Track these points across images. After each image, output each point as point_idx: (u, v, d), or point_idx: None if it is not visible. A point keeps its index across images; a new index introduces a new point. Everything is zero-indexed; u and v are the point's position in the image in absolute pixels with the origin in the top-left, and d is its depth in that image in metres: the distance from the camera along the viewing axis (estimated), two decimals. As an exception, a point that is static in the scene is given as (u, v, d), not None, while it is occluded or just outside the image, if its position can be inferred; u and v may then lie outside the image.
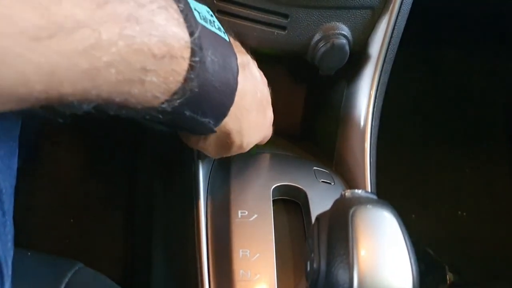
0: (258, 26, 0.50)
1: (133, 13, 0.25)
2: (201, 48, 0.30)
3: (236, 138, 0.39)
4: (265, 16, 0.49)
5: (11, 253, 0.33)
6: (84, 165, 0.90)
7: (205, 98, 0.32)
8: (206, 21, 0.32)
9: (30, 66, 0.21)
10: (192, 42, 0.29)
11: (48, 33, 0.21)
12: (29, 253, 0.43)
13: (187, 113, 0.31)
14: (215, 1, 0.48)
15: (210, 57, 0.31)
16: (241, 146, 0.41)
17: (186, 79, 0.29)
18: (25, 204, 0.81)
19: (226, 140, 0.39)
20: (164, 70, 0.28)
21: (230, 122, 0.37)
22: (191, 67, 0.29)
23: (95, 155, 0.91)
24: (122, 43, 0.25)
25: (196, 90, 0.30)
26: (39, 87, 0.22)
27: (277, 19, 0.49)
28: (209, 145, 0.40)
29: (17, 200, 0.35)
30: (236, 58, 0.35)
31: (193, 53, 0.29)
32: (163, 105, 0.30)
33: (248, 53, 0.42)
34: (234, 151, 0.42)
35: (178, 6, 0.29)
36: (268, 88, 0.45)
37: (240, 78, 0.35)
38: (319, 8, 0.49)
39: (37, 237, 0.81)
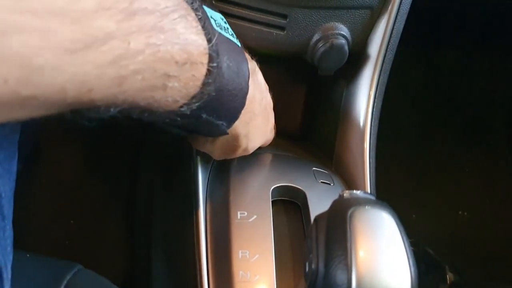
0: (257, 27, 0.50)
1: (157, 23, 0.27)
2: (218, 54, 0.31)
3: (242, 141, 0.41)
4: (264, 17, 0.49)
5: (11, 257, 0.33)
6: (84, 166, 0.90)
7: (221, 102, 0.33)
8: (221, 28, 0.34)
9: (65, 76, 0.22)
10: (210, 49, 0.31)
11: (82, 45, 0.22)
12: (27, 255, 0.43)
13: (204, 115, 0.33)
14: (213, 2, 0.48)
15: (226, 62, 0.33)
16: (246, 149, 0.43)
17: (204, 84, 0.31)
18: (25, 205, 0.81)
19: (234, 143, 0.41)
20: (185, 76, 0.29)
21: (239, 125, 0.38)
22: (209, 72, 0.31)
23: (95, 157, 0.91)
24: (148, 52, 0.26)
25: (213, 94, 0.32)
26: (71, 94, 0.23)
27: (276, 20, 0.49)
28: (216, 147, 0.42)
29: (16, 201, 0.35)
30: (247, 64, 0.36)
31: (210, 59, 0.31)
32: (182, 109, 0.31)
33: (253, 59, 0.43)
34: (239, 154, 0.43)
35: (196, 15, 0.31)
36: (270, 94, 0.46)
37: (249, 83, 0.36)
38: (318, 8, 0.49)
39: (37, 239, 0.81)
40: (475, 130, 1.08)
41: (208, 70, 0.31)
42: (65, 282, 0.40)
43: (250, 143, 0.42)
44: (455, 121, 1.08)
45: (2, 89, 0.20)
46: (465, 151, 1.05)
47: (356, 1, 0.49)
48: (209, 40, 0.31)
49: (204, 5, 0.35)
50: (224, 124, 0.36)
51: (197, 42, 0.30)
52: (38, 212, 0.84)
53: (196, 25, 0.30)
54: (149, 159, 0.85)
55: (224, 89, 0.33)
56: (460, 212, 1.00)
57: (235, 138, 0.40)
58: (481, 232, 0.98)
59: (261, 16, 0.49)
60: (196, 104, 0.31)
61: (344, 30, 0.50)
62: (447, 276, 0.73)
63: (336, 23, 0.50)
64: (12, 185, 0.34)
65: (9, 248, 0.33)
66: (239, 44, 0.37)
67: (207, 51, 0.30)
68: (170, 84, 0.28)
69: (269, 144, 0.51)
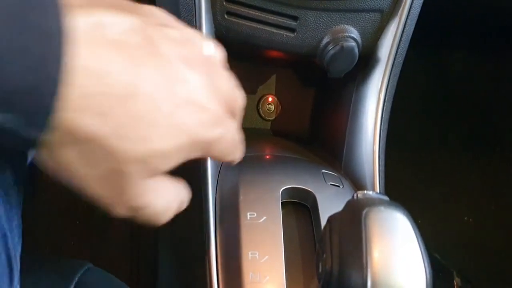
0: (267, 28, 0.50)
1: None
2: None
3: (113, 144, 0.24)
4: (275, 18, 0.49)
5: (19, 248, 0.33)
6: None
7: None
8: None
9: None
10: None
11: None
12: (38, 253, 0.43)
13: None
14: (224, 3, 0.49)
15: None
16: (136, 159, 0.25)
17: None
18: (31, 206, 0.81)
19: (93, 149, 0.24)
20: None
21: (83, 118, 0.23)
22: None
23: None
24: None
25: None
26: None
27: (287, 21, 0.50)
28: (62, 159, 0.26)
29: (22, 201, 0.34)
30: (59, 13, 0.21)
31: None
32: None
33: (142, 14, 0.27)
34: (130, 174, 0.26)
35: None
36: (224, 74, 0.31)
37: (84, 46, 0.22)
38: (329, 11, 0.49)
39: (43, 239, 0.81)
40: (482, 135, 1.07)
41: None
42: (75, 279, 0.40)
43: (137, 146, 0.25)
44: (462, 127, 1.08)
45: None
46: (471, 157, 1.05)
47: (366, 4, 0.49)
48: None
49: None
50: (18, 121, 0.21)
51: None
52: (44, 212, 0.84)
53: None
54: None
55: None
56: (465, 218, 1.00)
57: (90, 140, 0.24)
58: (487, 237, 0.98)
59: (272, 17, 0.49)
60: None
61: (354, 33, 0.50)
62: (455, 281, 0.73)
63: (347, 26, 0.50)
64: (22, 174, 0.33)
65: (17, 239, 0.32)
66: None
67: None
68: None
69: (278, 146, 0.50)
